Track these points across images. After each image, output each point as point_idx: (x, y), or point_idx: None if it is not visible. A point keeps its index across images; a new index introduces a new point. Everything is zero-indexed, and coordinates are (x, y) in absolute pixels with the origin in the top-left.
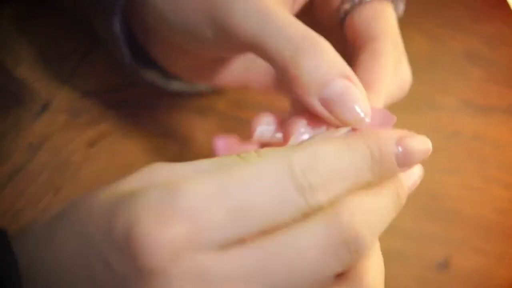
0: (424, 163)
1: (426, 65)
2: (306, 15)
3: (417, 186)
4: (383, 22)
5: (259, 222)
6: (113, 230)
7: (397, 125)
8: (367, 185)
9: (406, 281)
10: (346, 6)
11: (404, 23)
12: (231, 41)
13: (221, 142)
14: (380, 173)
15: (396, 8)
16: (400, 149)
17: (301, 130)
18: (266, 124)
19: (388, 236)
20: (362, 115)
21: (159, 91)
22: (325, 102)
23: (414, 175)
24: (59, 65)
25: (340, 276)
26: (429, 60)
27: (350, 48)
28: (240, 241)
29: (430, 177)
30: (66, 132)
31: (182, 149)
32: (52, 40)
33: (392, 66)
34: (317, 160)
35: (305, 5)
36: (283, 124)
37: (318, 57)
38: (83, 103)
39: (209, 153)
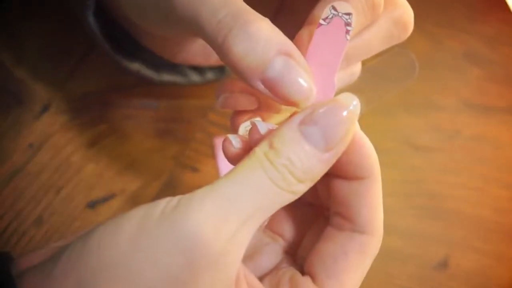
0: (424, 163)
1: (426, 65)
2: None
3: (417, 186)
4: None
5: None
6: None
7: (396, 126)
8: None
9: (406, 280)
10: None
11: None
12: (178, 24)
13: (221, 141)
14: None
15: None
16: None
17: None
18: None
19: (388, 236)
20: (305, 92)
21: (159, 91)
22: (267, 83)
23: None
24: (59, 66)
25: None
26: (428, 60)
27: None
28: None
29: (430, 176)
30: (66, 133)
31: (182, 149)
32: (51, 41)
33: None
34: None
35: None
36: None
37: (251, 39)
38: (83, 104)
39: (209, 153)
